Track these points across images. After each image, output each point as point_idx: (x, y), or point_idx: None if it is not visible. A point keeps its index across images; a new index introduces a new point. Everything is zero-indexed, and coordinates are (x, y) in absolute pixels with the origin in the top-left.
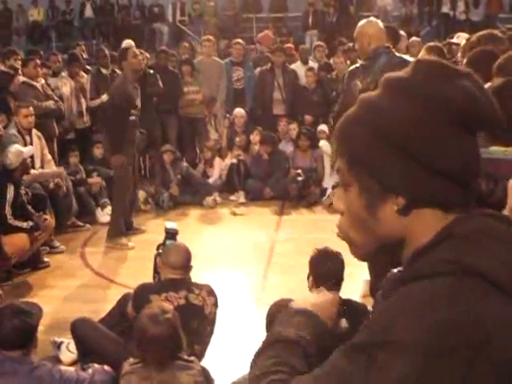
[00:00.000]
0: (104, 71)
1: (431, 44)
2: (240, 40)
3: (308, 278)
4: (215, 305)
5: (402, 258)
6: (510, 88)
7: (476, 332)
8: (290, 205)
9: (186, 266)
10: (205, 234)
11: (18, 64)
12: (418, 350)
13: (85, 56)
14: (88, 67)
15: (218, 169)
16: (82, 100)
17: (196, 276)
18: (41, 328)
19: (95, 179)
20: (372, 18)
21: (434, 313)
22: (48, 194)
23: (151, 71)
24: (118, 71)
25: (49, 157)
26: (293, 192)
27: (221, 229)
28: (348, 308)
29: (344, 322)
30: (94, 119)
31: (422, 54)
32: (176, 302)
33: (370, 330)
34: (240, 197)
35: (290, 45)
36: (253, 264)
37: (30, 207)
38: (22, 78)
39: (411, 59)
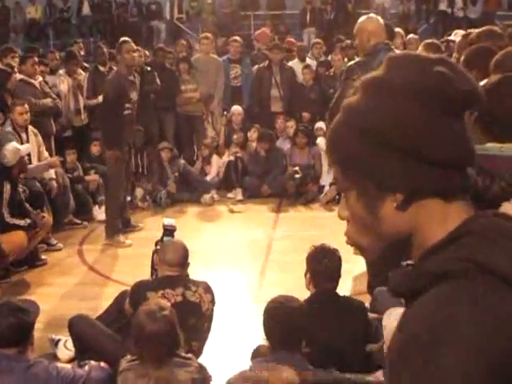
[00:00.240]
0: (102, 69)
1: (428, 41)
2: (237, 37)
3: (305, 276)
4: (212, 302)
5: (411, 253)
6: (507, 84)
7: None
8: (287, 202)
9: (182, 263)
10: (202, 232)
11: (15, 62)
12: (463, 348)
13: (82, 53)
14: (86, 65)
15: (216, 166)
16: (80, 97)
17: (193, 273)
18: (38, 325)
19: (92, 177)
20: (372, 15)
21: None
22: (45, 191)
23: (149, 68)
24: (115, 68)
25: (46, 154)
26: (290, 189)
27: (218, 226)
28: (346, 305)
29: None
30: (92, 117)
31: (420, 51)
32: (173, 299)
33: (410, 334)
34: (237, 194)
35: (290, 39)
36: (250, 261)
37: (27, 205)
38: (19, 76)
39: None
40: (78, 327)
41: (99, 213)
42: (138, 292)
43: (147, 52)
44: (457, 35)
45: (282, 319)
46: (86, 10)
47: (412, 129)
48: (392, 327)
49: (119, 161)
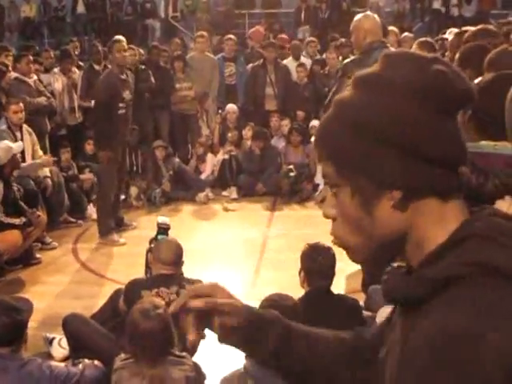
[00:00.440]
0: (97, 67)
1: (422, 39)
2: (232, 36)
3: (299, 274)
4: None
5: (403, 253)
6: (500, 83)
7: None
8: (282, 200)
9: (177, 261)
10: (197, 230)
11: (9, 60)
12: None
13: (77, 52)
14: (80, 63)
15: (210, 164)
16: (74, 96)
17: (188, 271)
18: (33, 324)
19: (87, 175)
20: (369, 13)
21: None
22: (40, 190)
23: (143, 67)
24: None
25: (40, 153)
26: (285, 188)
27: (213, 225)
28: (340, 303)
29: None
30: (86, 115)
31: (414, 50)
32: (167, 297)
33: (432, 347)
34: (232, 192)
35: (283, 35)
36: (244, 259)
37: (22, 203)
38: (14, 74)
39: None
40: (72, 326)
41: (94, 211)
42: (133, 290)
43: (141, 50)
44: (451, 34)
45: None
46: (80, 8)
47: (410, 126)
48: None
49: (111, 161)
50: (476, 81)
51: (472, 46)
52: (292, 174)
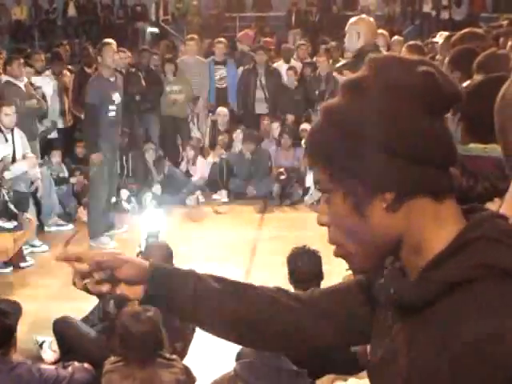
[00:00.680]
0: (88, 70)
1: (411, 43)
2: (223, 39)
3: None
4: None
5: (399, 255)
6: (489, 86)
7: None
8: (272, 203)
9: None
10: (188, 233)
11: (0, 63)
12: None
13: (67, 55)
14: (70, 67)
15: (201, 167)
16: (65, 99)
17: None
18: (23, 327)
19: (78, 178)
20: (363, 16)
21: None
22: (30, 192)
23: (133, 70)
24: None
25: (31, 155)
26: (275, 190)
27: (204, 227)
28: None
29: None
30: (77, 118)
31: (403, 53)
32: None
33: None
34: (223, 195)
35: (267, 39)
36: (236, 262)
37: (12, 206)
38: (5, 77)
39: None
40: (62, 329)
41: (84, 214)
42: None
43: (129, 53)
44: (441, 37)
45: None
46: (71, 11)
47: (399, 127)
48: None
49: (103, 163)
50: (465, 84)
51: (461, 49)
52: (282, 176)
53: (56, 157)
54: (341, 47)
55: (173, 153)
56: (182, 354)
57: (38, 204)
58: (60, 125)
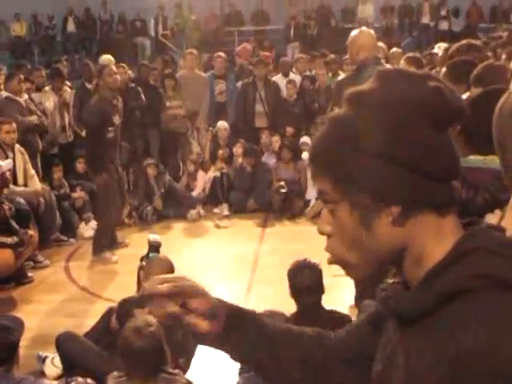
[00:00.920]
0: (88, 86)
1: (410, 55)
2: (222, 53)
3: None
4: None
5: (400, 268)
6: (487, 99)
7: None
8: (273, 217)
9: None
10: (188, 247)
11: (1, 79)
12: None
13: (66, 70)
14: (67, 83)
15: (202, 182)
16: (66, 115)
17: None
18: (25, 343)
19: (79, 193)
20: (364, 28)
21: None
22: (32, 208)
23: (133, 85)
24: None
25: (32, 172)
26: (276, 204)
27: (204, 242)
28: (331, 319)
29: None
30: (77, 134)
31: (402, 65)
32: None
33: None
34: (223, 209)
35: (265, 53)
36: (237, 276)
37: (13, 222)
38: (5, 94)
39: None
40: (65, 344)
41: (86, 230)
42: (125, 308)
43: (129, 71)
44: (440, 48)
45: None
46: (70, 27)
47: (408, 141)
48: None
49: (108, 182)
50: (464, 96)
51: (459, 61)
52: (283, 190)
53: (57, 172)
54: (340, 60)
55: (173, 167)
56: (185, 368)
57: (39, 219)
58: (60, 140)
